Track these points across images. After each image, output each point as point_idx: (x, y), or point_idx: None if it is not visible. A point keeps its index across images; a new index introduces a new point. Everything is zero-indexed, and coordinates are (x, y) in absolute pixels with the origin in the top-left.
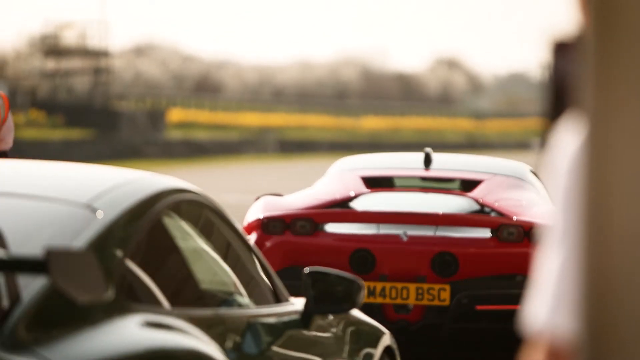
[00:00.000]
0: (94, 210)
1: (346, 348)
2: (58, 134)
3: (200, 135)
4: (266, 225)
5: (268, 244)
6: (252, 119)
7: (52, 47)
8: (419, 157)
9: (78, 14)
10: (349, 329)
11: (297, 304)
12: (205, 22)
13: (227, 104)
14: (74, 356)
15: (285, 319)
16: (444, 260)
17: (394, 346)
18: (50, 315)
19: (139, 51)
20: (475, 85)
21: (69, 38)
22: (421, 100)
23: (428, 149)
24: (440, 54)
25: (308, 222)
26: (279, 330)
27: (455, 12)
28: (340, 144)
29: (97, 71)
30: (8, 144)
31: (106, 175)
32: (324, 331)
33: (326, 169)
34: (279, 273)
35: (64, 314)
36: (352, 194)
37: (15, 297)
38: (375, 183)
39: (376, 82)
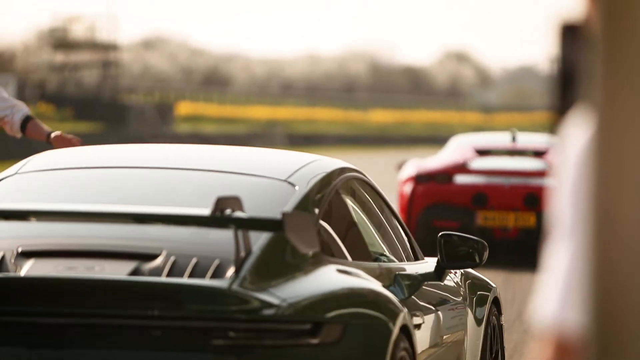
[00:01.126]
0: (292, 184)
1: (466, 296)
2: (67, 127)
3: (209, 129)
4: (417, 178)
5: (419, 189)
6: (260, 112)
7: (60, 41)
8: (508, 136)
9: (87, 7)
10: (468, 282)
11: (430, 261)
12: (213, 15)
13: (235, 97)
14: (292, 293)
15: (424, 272)
16: (531, 198)
17: (499, 297)
18: (273, 264)
19: (148, 44)
20: (484, 78)
21: (78, 31)
22: (430, 93)
23: (513, 130)
24: (449, 47)
25: (444, 175)
26: (419, 281)
27: (463, 5)
28: (348, 137)
29: (105, 64)
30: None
31: (292, 157)
32: (450, 282)
33: None
34: (428, 208)
35: (282, 263)
36: (469, 158)
37: (248, 250)
38: (483, 152)
39: (385, 76)
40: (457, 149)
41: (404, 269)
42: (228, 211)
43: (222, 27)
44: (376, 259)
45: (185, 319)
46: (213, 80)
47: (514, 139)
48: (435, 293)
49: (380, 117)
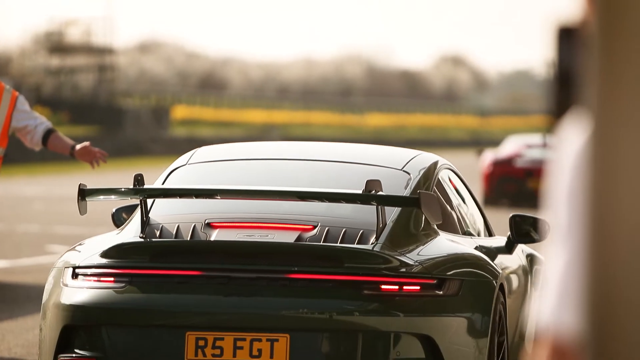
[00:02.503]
0: (407, 172)
1: (527, 265)
2: (63, 131)
3: (205, 132)
4: (494, 162)
5: (495, 168)
6: (256, 116)
7: (56, 44)
8: (541, 136)
9: (83, 11)
10: (529, 257)
11: (500, 238)
12: (209, 19)
13: (231, 101)
14: (419, 255)
15: (498, 245)
16: None
17: None
18: (403, 232)
19: (144, 48)
20: (480, 82)
21: (74, 35)
22: (426, 97)
23: (544, 132)
24: (445, 51)
25: (508, 160)
26: (497, 252)
27: (459, 8)
28: (344, 141)
29: (101, 68)
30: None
31: (400, 151)
32: (517, 254)
33: None
34: (500, 178)
35: (409, 232)
36: (522, 149)
37: (384, 222)
38: (529, 146)
39: (381, 79)
40: (514, 144)
41: (485, 242)
42: (373, 191)
43: (218, 31)
44: (465, 233)
45: (341, 274)
46: (209, 84)
47: (545, 138)
48: (509, 262)
49: (376, 120)
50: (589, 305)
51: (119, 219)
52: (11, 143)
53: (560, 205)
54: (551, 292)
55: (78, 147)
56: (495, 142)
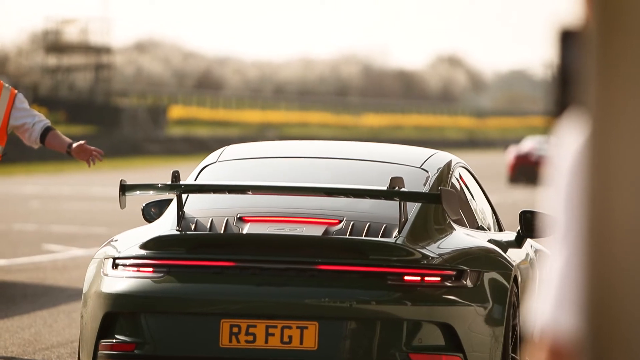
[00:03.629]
0: (425, 170)
1: (534, 257)
2: (60, 130)
3: (201, 132)
4: (517, 155)
5: (517, 159)
6: (253, 116)
7: (53, 44)
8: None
9: (80, 11)
10: (538, 252)
11: (510, 233)
12: (206, 18)
13: (228, 101)
14: (439, 248)
15: (509, 239)
16: None
17: None
18: (423, 227)
19: (141, 48)
20: (477, 82)
21: (71, 34)
22: (422, 97)
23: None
24: (442, 52)
25: (527, 154)
26: (508, 246)
27: (456, 9)
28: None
29: (98, 67)
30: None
31: (418, 150)
32: (526, 248)
33: None
34: (520, 167)
35: (429, 227)
36: (536, 146)
37: (405, 217)
38: (541, 144)
39: (377, 80)
40: (530, 142)
41: (497, 237)
42: (396, 188)
43: (215, 31)
44: (478, 228)
45: (366, 266)
46: (206, 84)
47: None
48: (519, 255)
49: (372, 121)
50: (587, 305)
51: (148, 213)
52: (9, 142)
53: (558, 205)
54: (549, 292)
55: (75, 145)
56: (491, 143)
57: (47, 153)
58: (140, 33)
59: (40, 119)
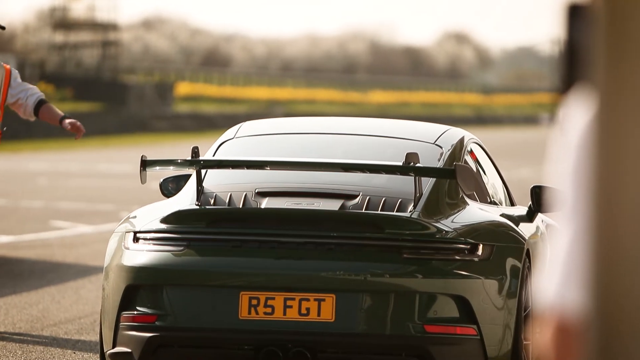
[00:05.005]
0: (439, 146)
1: (545, 232)
2: (66, 107)
3: (208, 109)
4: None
5: None
6: (260, 93)
7: (60, 20)
8: None
9: None
10: (549, 226)
11: (521, 207)
12: None
13: (235, 78)
14: (453, 222)
15: (520, 214)
16: None
17: None
18: (438, 201)
19: (148, 24)
20: (484, 59)
21: (78, 11)
22: (429, 74)
23: None
24: (449, 28)
25: None
26: (520, 220)
27: None
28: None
29: (105, 44)
30: None
31: (432, 127)
32: (536, 222)
33: None
34: None
35: (443, 201)
36: None
37: (420, 192)
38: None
39: (384, 56)
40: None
41: (509, 211)
42: (412, 163)
43: (222, 7)
44: (490, 202)
45: (382, 239)
46: (213, 60)
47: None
48: (531, 229)
49: (379, 97)
50: (593, 282)
51: (166, 188)
52: (15, 119)
53: (566, 183)
54: (556, 269)
55: (68, 121)
56: (498, 120)
57: (54, 130)
58: (147, 10)
59: (33, 92)
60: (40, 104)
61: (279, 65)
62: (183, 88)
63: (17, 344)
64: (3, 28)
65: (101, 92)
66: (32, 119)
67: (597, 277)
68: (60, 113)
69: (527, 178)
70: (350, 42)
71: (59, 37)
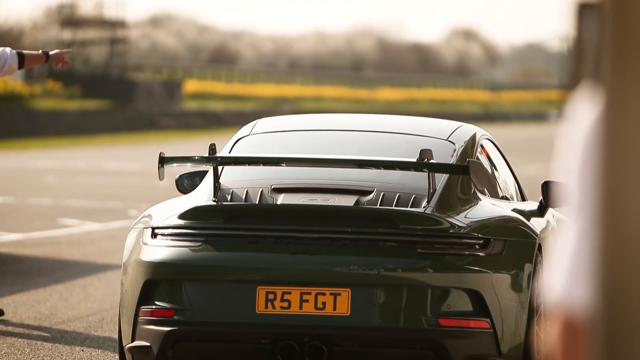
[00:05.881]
0: (452, 142)
1: (556, 227)
2: (74, 105)
3: (216, 106)
4: None
5: None
6: (267, 90)
7: (68, 18)
8: None
9: None
10: (560, 221)
11: (532, 202)
12: None
13: (242, 75)
14: (467, 217)
15: (531, 209)
16: None
17: None
18: (451, 197)
19: (155, 22)
20: (492, 56)
21: (86, 8)
22: (437, 71)
23: None
24: (457, 25)
25: None
26: (531, 215)
27: None
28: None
29: (113, 42)
30: None
31: (444, 123)
32: (547, 218)
33: None
34: None
35: (456, 197)
36: None
37: (434, 188)
38: None
39: (392, 53)
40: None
41: (520, 206)
42: (425, 159)
43: (230, 4)
44: (502, 198)
45: (396, 235)
46: (220, 58)
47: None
48: (542, 224)
49: (387, 94)
50: (600, 279)
51: (182, 184)
52: (24, 116)
53: (572, 180)
54: (563, 266)
55: (52, 53)
56: (506, 117)
57: (63, 127)
58: (155, 7)
59: (2, 52)
60: (20, 56)
61: (287, 62)
62: (191, 85)
63: (26, 342)
64: None
65: (109, 90)
66: (15, 72)
67: (604, 274)
68: (39, 52)
69: (535, 175)
70: (358, 39)
71: (67, 35)
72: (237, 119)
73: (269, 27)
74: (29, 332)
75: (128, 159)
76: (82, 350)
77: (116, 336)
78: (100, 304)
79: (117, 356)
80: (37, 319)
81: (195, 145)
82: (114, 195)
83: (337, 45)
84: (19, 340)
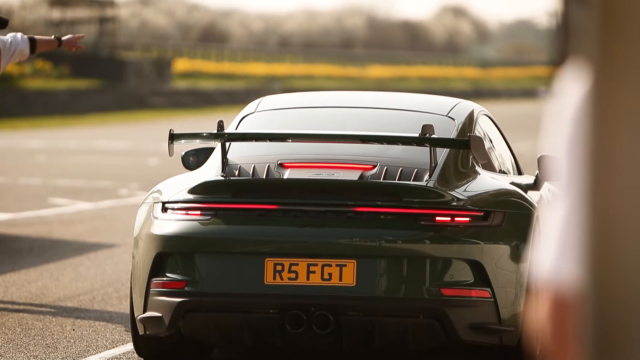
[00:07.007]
0: (452, 118)
1: (551, 199)
2: (64, 84)
3: (206, 85)
4: None
5: None
6: (258, 68)
7: None
8: None
9: None
10: (555, 194)
11: (529, 176)
12: None
13: (232, 53)
14: (467, 190)
15: (528, 182)
16: None
17: None
18: (452, 171)
19: (145, 0)
20: (482, 33)
21: None
22: (427, 48)
23: None
24: (446, 2)
25: None
26: (526, 188)
27: None
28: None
29: (103, 21)
30: None
31: (443, 99)
32: (543, 191)
33: None
34: None
35: (457, 171)
36: None
37: (435, 162)
38: None
39: (382, 31)
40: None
41: (517, 180)
42: (427, 134)
43: None
44: (500, 171)
45: (399, 208)
46: (210, 36)
47: None
48: (539, 197)
49: (377, 72)
50: (589, 255)
51: (187, 161)
52: (13, 96)
53: (560, 156)
54: (551, 243)
55: (65, 38)
56: (496, 93)
57: (53, 107)
58: None
59: (13, 38)
60: (31, 41)
61: (277, 40)
62: (181, 64)
63: (17, 321)
64: (6, 23)
65: (99, 69)
66: (26, 57)
67: (592, 250)
68: (51, 37)
69: (526, 150)
70: (348, 17)
71: (56, 14)
72: (227, 98)
73: (259, 5)
74: (20, 312)
75: (118, 138)
76: (74, 330)
77: (106, 314)
78: (91, 283)
79: (108, 334)
80: (27, 298)
81: (186, 124)
82: (104, 174)
83: (327, 23)
84: (10, 319)
